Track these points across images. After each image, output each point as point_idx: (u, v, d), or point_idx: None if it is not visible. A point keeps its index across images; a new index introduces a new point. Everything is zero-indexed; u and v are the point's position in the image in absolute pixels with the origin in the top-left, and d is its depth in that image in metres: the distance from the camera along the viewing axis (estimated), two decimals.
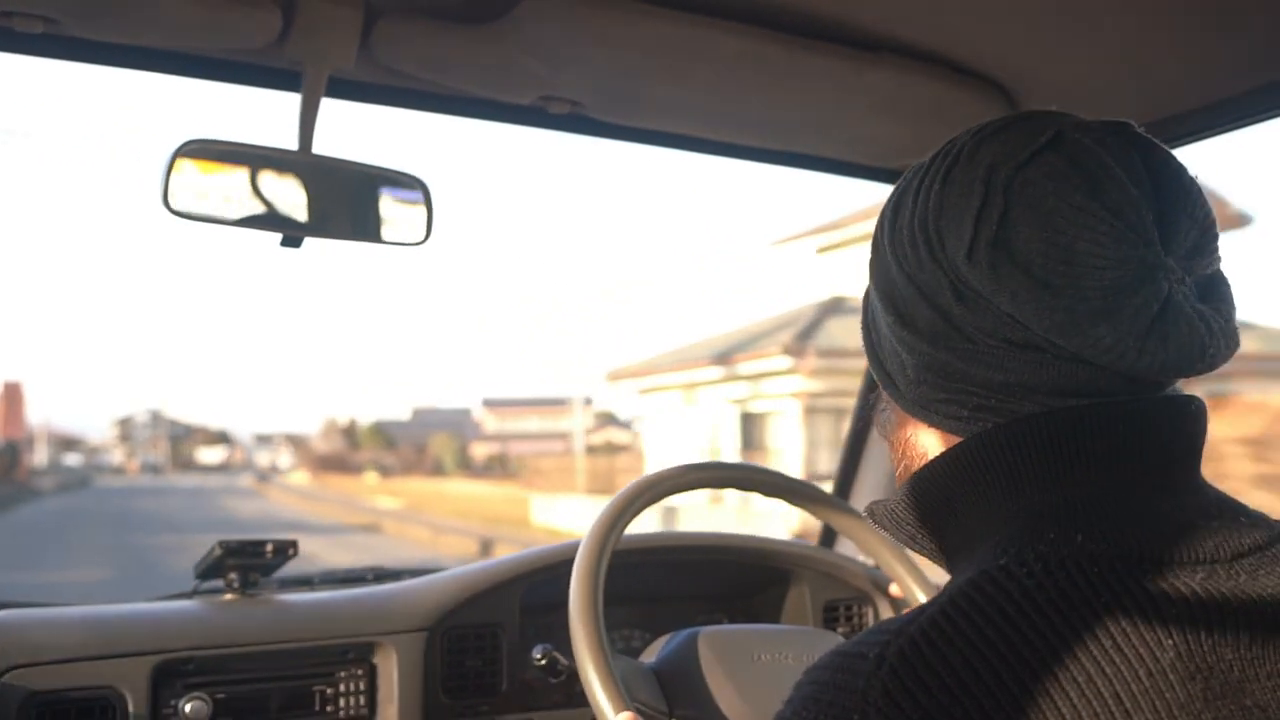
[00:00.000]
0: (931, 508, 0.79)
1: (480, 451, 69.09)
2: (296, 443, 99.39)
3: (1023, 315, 0.71)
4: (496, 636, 1.69)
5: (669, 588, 1.89)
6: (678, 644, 1.37)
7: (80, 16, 1.19)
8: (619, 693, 1.20)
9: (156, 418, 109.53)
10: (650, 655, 1.37)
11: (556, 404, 64.30)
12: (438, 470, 62.28)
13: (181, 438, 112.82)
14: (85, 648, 1.46)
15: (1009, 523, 0.73)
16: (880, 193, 1.90)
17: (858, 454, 2.09)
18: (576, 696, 1.66)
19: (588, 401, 63.09)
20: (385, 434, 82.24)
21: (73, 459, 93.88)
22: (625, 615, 1.86)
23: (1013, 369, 0.73)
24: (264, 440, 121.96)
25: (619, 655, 1.30)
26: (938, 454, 0.79)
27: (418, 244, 1.41)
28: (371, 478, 58.81)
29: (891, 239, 0.79)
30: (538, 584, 1.71)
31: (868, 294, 0.86)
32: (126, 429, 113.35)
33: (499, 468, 59.81)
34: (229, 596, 1.64)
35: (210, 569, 1.65)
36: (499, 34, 1.26)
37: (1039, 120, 0.76)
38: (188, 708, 1.48)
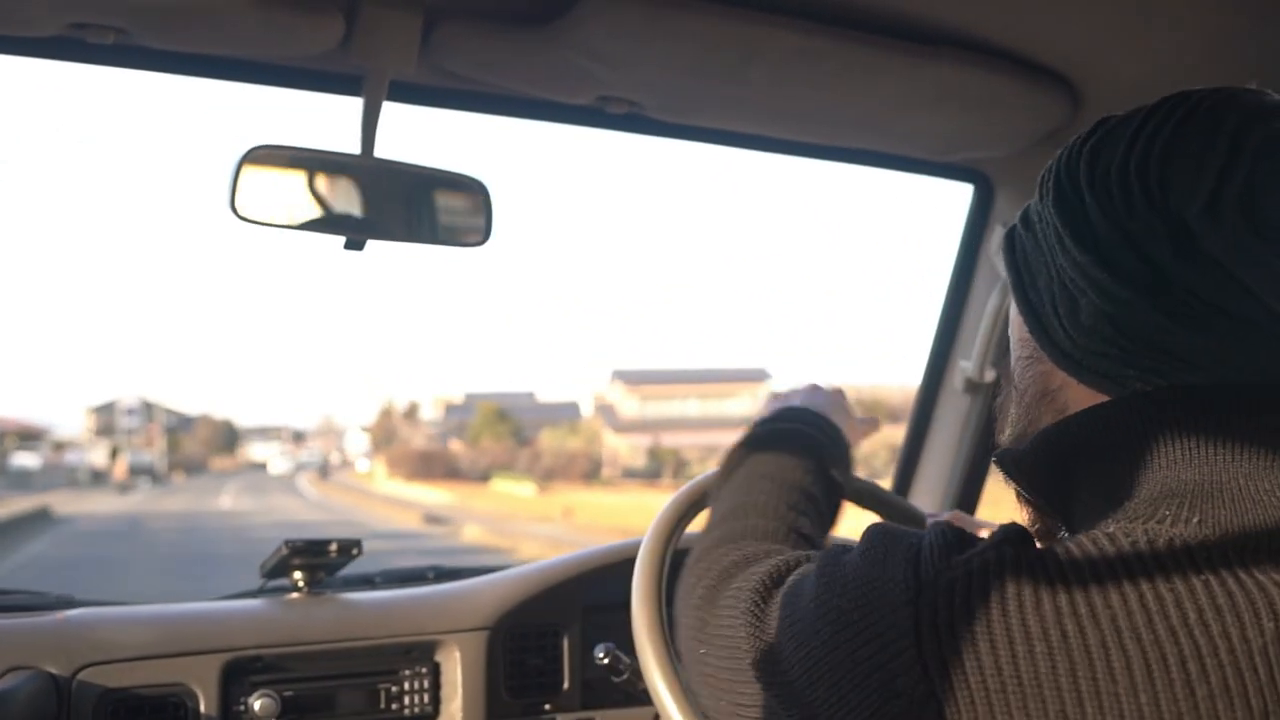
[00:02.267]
0: (1064, 462, 0.77)
1: (622, 446, 51.12)
2: (378, 439, 77.77)
3: (1253, 281, 0.68)
4: (558, 635, 1.70)
5: None
6: None
7: (149, 27, 1.21)
8: (683, 692, 1.20)
9: (148, 405, 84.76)
10: None
11: (724, 379, 53.10)
12: (592, 475, 47.26)
13: (180, 430, 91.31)
14: (157, 646, 1.48)
15: (1134, 493, 0.71)
16: (941, 189, 1.88)
17: (917, 450, 2.08)
18: (639, 695, 1.66)
19: (762, 376, 53.69)
20: (510, 421, 57.79)
21: (27, 459, 61.68)
22: None
23: (1217, 334, 0.70)
24: (297, 436, 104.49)
25: None
26: (1085, 408, 0.76)
27: (478, 245, 1.42)
28: (507, 484, 44.17)
29: (1091, 181, 0.75)
30: (598, 583, 1.72)
31: (1015, 238, 0.83)
32: (106, 420, 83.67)
33: (669, 468, 44.68)
34: (295, 595, 1.67)
35: (276, 568, 1.67)
36: (557, 35, 1.27)
37: None
38: (257, 705, 1.50)
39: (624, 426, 51.72)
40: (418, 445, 62.74)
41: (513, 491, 42.18)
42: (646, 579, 1.32)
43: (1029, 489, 0.83)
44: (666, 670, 1.23)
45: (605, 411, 54.65)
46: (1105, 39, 1.32)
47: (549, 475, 45.82)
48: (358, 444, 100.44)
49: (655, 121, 1.53)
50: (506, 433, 57.13)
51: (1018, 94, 1.43)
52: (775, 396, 1.28)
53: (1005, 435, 0.88)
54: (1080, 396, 0.77)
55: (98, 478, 62.52)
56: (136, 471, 63.33)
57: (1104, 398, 0.75)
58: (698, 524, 1.44)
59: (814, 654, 0.73)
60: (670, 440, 48.01)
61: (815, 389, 1.25)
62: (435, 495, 40.97)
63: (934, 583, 0.69)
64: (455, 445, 59.56)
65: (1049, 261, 0.77)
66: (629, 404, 53.67)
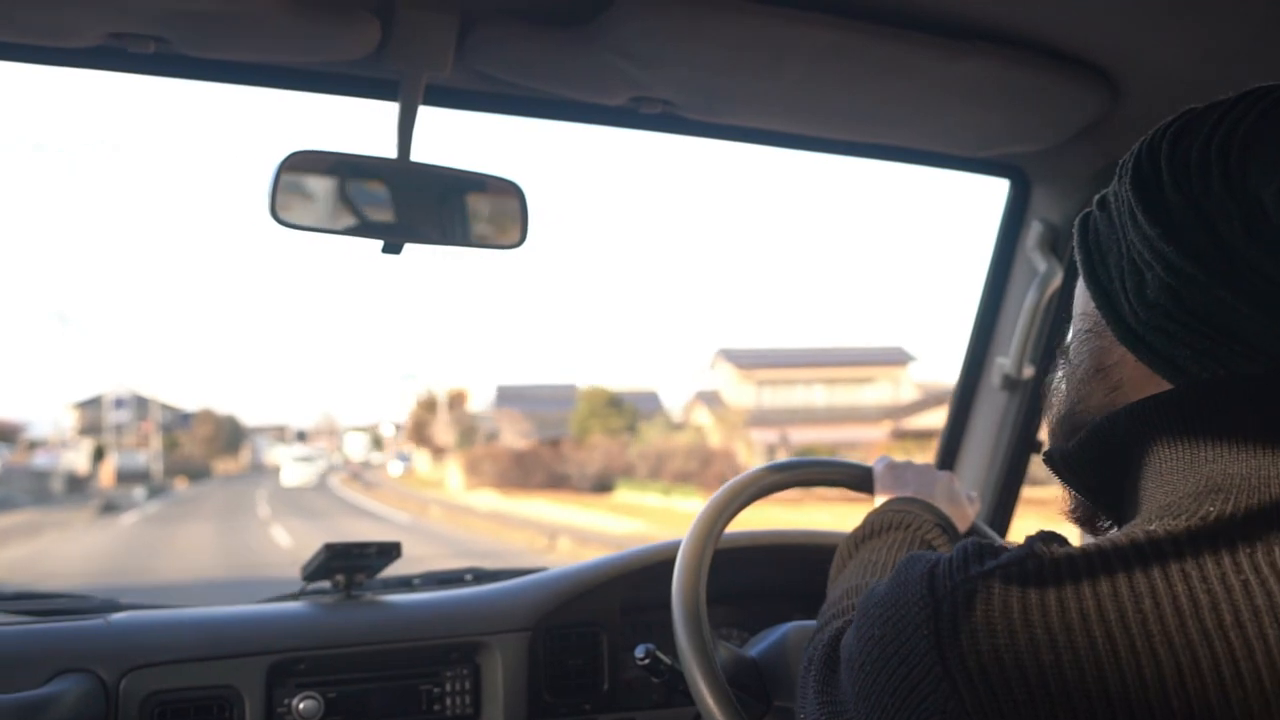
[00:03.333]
0: (1114, 458, 0.78)
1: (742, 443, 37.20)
2: (422, 436, 61.40)
3: None
4: (597, 636, 1.70)
5: (767, 586, 1.88)
6: (780, 635, 1.37)
7: (188, 35, 1.23)
8: (725, 692, 1.20)
9: (140, 400, 70.44)
10: (752, 647, 1.37)
11: (856, 361, 41.67)
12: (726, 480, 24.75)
13: (176, 428, 79.66)
14: (202, 648, 1.50)
15: (1180, 489, 0.71)
16: (973, 183, 1.86)
17: (955, 448, 2.06)
18: (678, 696, 1.66)
19: (903, 358, 41.98)
20: (627, 412, 42.19)
21: None
22: (724, 614, 1.86)
23: (1278, 314, 0.70)
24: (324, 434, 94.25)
25: (721, 642, 1.30)
26: (1140, 396, 0.76)
27: (514, 247, 1.42)
28: (632, 494, 32.81)
29: (1171, 162, 0.76)
30: (637, 584, 1.72)
31: (1089, 220, 0.83)
32: (93, 416, 70.59)
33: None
34: (336, 598, 1.68)
35: (317, 571, 1.69)
36: (591, 36, 1.27)
37: None
38: (301, 706, 1.51)
39: (753, 420, 38.80)
40: (506, 444, 45.43)
41: (642, 503, 31.15)
42: (688, 580, 1.31)
43: (1080, 487, 0.83)
44: (707, 670, 1.23)
45: (709, 399, 41.61)
46: (1142, 29, 1.30)
47: (679, 479, 33.07)
48: (357, 444, 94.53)
49: (688, 121, 1.53)
50: (621, 426, 41.06)
51: (1053, 87, 1.42)
52: (891, 468, 1.36)
53: (1052, 414, 0.88)
54: (1134, 374, 0.77)
55: (76, 486, 47.38)
56: (126, 477, 51.48)
57: (1155, 378, 0.75)
58: (738, 524, 1.45)
59: (861, 685, 0.75)
60: (799, 436, 36.64)
61: (927, 471, 1.33)
62: (551, 509, 29.39)
63: (951, 595, 0.69)
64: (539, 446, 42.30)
65: (1120, 238, 0.78)
66: (742, 391, 41.14)
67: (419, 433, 62.16)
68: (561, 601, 1.68)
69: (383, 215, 1.36)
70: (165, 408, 78.15)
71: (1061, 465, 0.83)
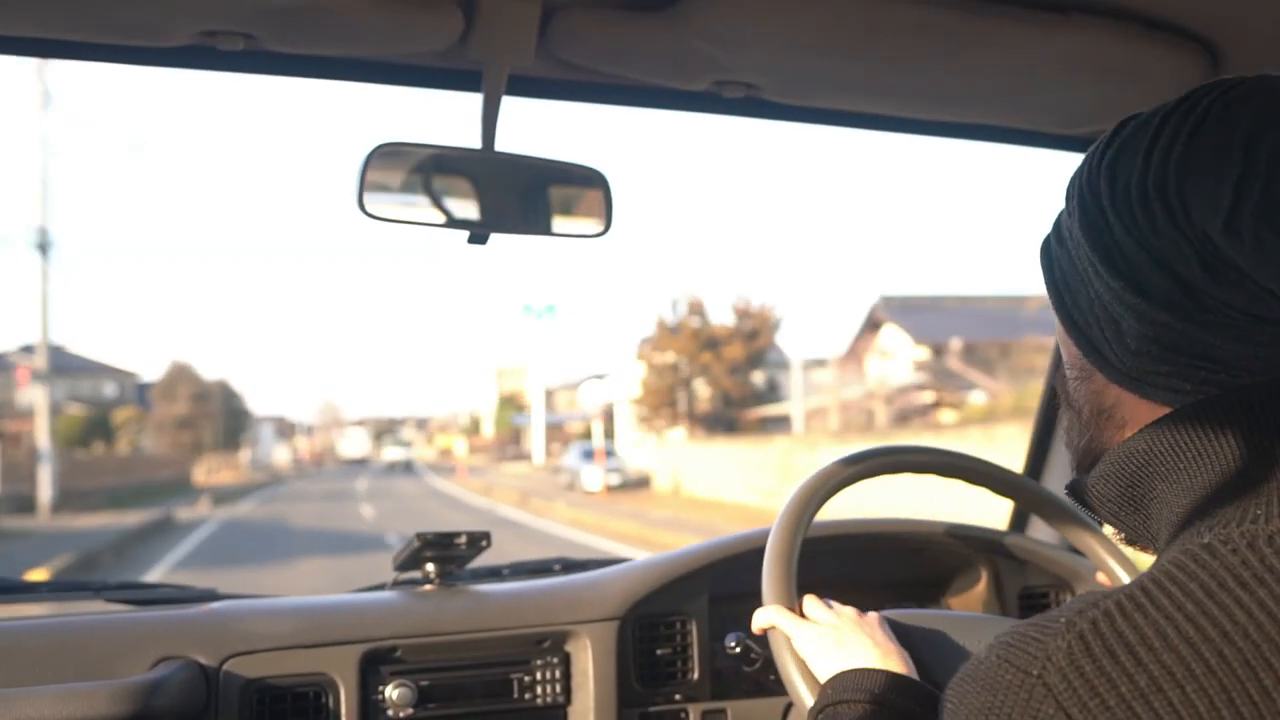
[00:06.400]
0: (1137, 482, 0.77)
1: None
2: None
3: None
4: (686, 625, 1.70)
5: (854, 576, 1.86)
6: None
7: (276, 31, 1.24)
8: (817, 682, 1.19)
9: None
10: None
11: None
12: None
13: (125, 402, 51.28)
14: (298, 636, 1.53)
15: (1217, 499, 0.70)
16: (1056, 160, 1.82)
17: (1049, 432, 2.02)
18: (768, 685, 1.65)
19: None
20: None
21: None
22: None
23: (1262, 342, 0.69)
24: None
25: None
26: (1146, 424, 0.75)
27: (599, 236, 1.42)
28: None
29: (1113, 199, 0.74)
30: (726, 573, 1.71)
31: (1052, 254, 0.81)
32: None
33: None
34: (428, 587, 1.70)
35: (408, 561, 1.71)
36: (674, 20, 1.26)
37: None
38: (395, 694, 1.53)
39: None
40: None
41: None
42: (778, 567, 1.31)
43: (1108, 517, 0.82)
44: (799, 659, 1.22)
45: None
46: None
47: None
48: (357, 438, 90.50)
49: (772, 104, 1.51)
50: None
51: (1151, 59, 1.37)
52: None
53: (1070, 448, 0.87)
54: (1138, 411, 0.77)
55: None
56: None
57: (1161, 409, 0.74)
58: (825, 512, 1.43)
59: None
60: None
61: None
62: None
63: (1052, 652, 0.64)
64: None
65: (1087, 282, 0.77)
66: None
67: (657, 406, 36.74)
68: (650, 590, 1.68)
69: (468, 206, 1.37)
70: (85, 365, 47.73)
71: (1086, 497, 0.82)
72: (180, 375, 53.75)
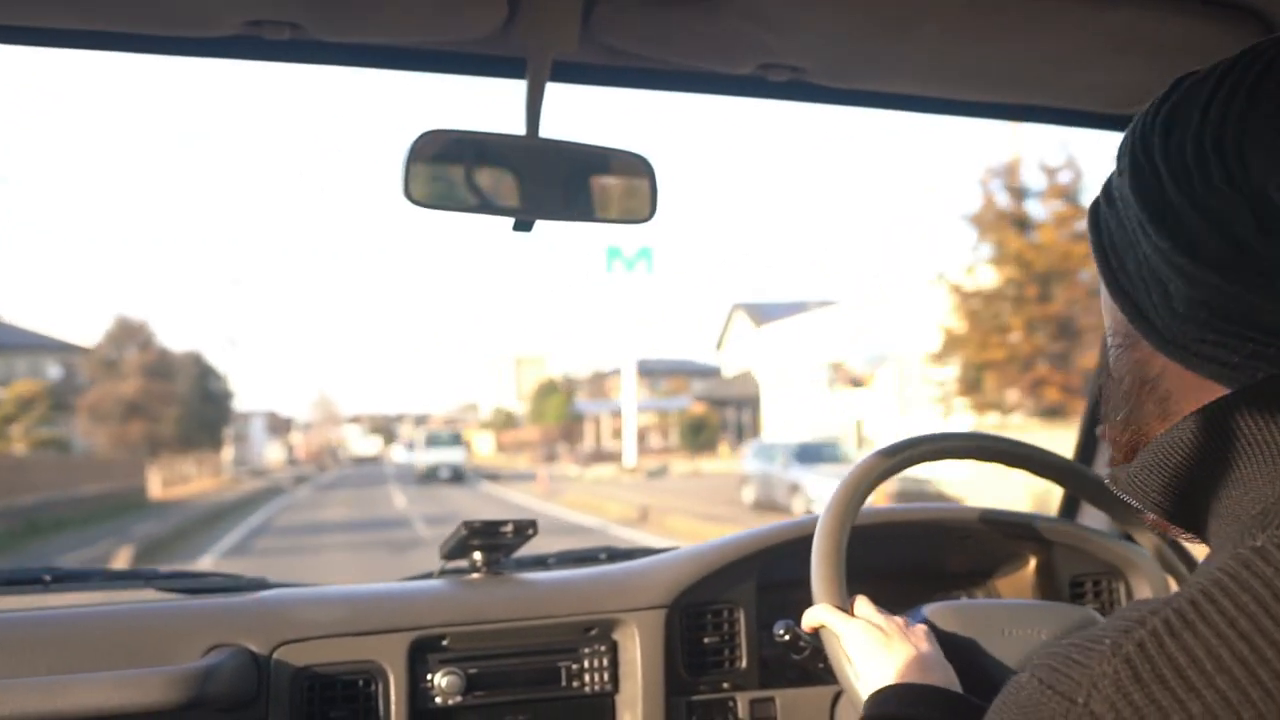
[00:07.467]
0: (1183, 473, 0.73)
1: None
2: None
3: None
4: (734, 613, 1.69)
5: (904, 564, 1.85)
6: (920, 616, 1.34)
7: (321, 20, 1.24)
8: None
9: None
10: None
11: None
12: None
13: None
14: (348, 624, 1.54)
15: (1267, 493, 0.66)
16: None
17: (1099, 417, 1.99)
18: (817, 674, 1.64)
19: None
20: None
21: None
22: (860, 593, 1.83)
23: None
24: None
25: None
26: (1192, 408, 0.72)
27: (644, 221, 1.41)
28: None
29: (1166, 157, 0.71)
30: (773, 561, 1.70)
31: (1100, 215, 0.78)
32: None
33: None
34: (475, 576, 1.71)
35: (455, 549, 1.71)
36: (719, 2, 1.25)
37: None
38: (443, 682, 1.54)
39: None
40: None
41: None
42: (827, 555, 1.30)
43: (1150, 506, 0.78)
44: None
45: None
46: None
47: None
48: (358, 436, 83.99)
49: (818, 88, 1.49)
50: None
51: (1204, 36, 1.34)
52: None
53: (1109, 425, 0.84)
54: (1183, 383, 0.73)
55: None
56: None
57: (1207, 382, 0.71)
58: (873, 499, 1.42)
59: None
60: None
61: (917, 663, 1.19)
62: None
63: (1098, 678, 0.61)
64: None
65: (1135, 244, 0.74)
66: None
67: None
68: (698, 579, 1.67)
69: (513, 192, 1.37)
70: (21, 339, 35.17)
71: (1128, 488, 0.78)
72: (128, 338, 36.14)
